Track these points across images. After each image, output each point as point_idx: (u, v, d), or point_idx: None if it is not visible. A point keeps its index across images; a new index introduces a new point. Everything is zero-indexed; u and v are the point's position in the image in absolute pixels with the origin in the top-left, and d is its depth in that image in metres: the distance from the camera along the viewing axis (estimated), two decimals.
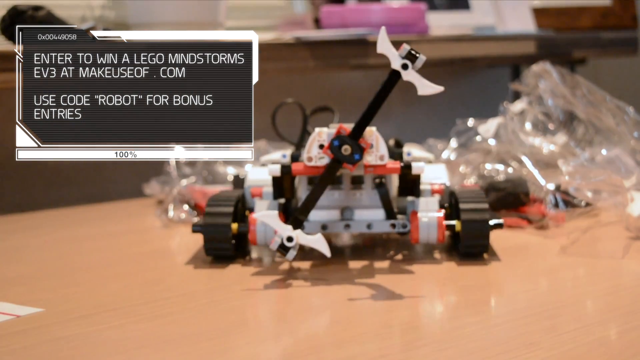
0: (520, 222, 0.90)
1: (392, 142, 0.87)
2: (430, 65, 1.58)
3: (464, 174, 1.03)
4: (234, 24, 1.33)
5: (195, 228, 0.76)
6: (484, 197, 0.75)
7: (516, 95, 1.21)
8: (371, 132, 0.71)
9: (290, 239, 0.68)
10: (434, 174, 0.82)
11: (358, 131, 0.69)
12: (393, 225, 0.75)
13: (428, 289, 0.69)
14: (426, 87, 0.68)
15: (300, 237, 0.68)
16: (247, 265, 0.75)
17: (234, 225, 0.75)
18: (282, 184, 0.77)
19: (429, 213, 0.74)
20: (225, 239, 0.75)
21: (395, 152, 0.82)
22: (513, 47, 1.42)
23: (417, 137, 1.20)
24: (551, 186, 0.91)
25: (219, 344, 0.56)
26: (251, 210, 0.79)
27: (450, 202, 0.79)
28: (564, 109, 1.05)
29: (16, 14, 1.04)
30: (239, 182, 0.86)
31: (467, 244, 0.74)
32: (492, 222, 0.74)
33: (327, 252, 0.68)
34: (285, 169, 0.73)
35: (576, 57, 1.52)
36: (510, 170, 0.98)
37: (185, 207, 0.98)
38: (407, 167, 0.73)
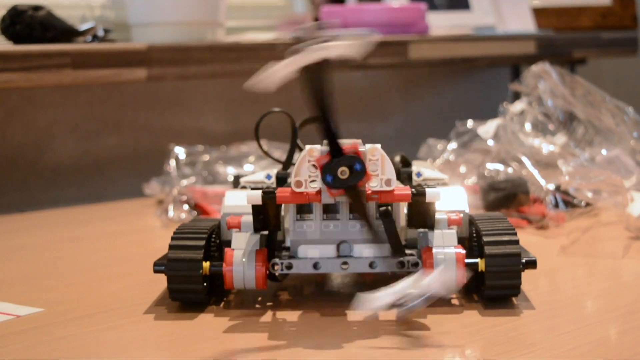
0: (520, 222, 0.90)
1: (397, 158, 0.75)
2: (430, 65, 1.58)
3: (464, 174, 1.03)
4: (234, 24, 1.33)
5: (157, 268, 0.62)
6: (512, 227, 0.63)
7: (516, 96, 1.21)
8: (374, 150, 0.58)
9: (416, 264, 0.59)
10: (450, 199, 0.67)
11: (334, 145, 0.57)
12: (401, 264, 0.61)
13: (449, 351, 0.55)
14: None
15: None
16: (221, 314, 0.62)
17: (206, 264, 0.62)
18: (266, 213, 0.62)
19: (445, 249, 0.61)
20: (194, 280, 0.61)
21: (403, 173, 0.72)
22: (513, 47, 1.42)
23: (417, 137, 1.20)
24: (551, 186, 0.91)
25: (219, 344, 0.56)
26: (228, 244, 0.65)
27: (471, 233, 0.67)
28: (563, 109, 1.05)
29: (16, 14, 1.04)
30: (239, 182, 0.77)
31: (493, 286, 0.61)
32: (524, 259, 0.61)
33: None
34: (268, 196, 0.60)
35: (576, 57, 1.52)
36: (510, 170, 0.98)
37: (185, 207, 0.98)
38: (419, 194, 0.60)
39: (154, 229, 0.95)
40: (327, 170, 0.57)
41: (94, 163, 1.22)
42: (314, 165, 0.58)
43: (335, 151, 0.57)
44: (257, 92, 0.54)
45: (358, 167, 0.56)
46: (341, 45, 0.55)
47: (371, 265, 0.61)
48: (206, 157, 1.11)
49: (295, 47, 0.54)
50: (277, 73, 0.54)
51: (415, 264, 0.61)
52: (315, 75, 0.55)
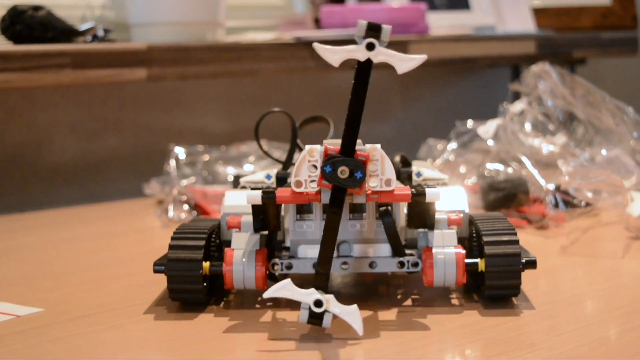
0: (520, 222, 0.90)
1: (397, 158, 0.76)
2: (430, 65, 1.59)
3: (464, 174, 1.03)
4: (234, 24, 1.33)
5: (157, 268, 0.63)
6: (511, 227, 0.63)
7: (516, 96, 1.22)
8: (375, 150, 0.58)
9: (318, 304, 0.55)
10: (450, 199, 0.67)
11: (349, 145, 0.56)
12: (401, 264, 0.61)
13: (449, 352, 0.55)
14: (405, 62, 0.54)
15: (332, 304, 0.55)
16: (221, 314, 0.62)
17: (206, 264, 0.62)
18: (265, 213, 0.61)
19: (445, 249, 0.61)
20: (194, 280, 0.61)
21: (403, 173, 0.73)
22: (513, 47, 1.42)
23: (417, 137, 1.20)
24: (551, 186, 0.91)
25: (219, 344, 0.56)
26: (228, 244, 0.65)
27: (471, 233, 0.67)
28: (563, 109, 1.05)
29: (16, 14, 1.04)
30: (239, 182, 0.78)
31: (493, 286, 0.61)
32: (524, 259, 0.61)
33: (359, 329, 0.55)
34: (268, 196, 0.60)
35: (576, 57, 1.52)
36: (510, 170, 0.98)
37: (185, 207, 0.98)
38: (419, 194, 0.60)
39: (154, 229, 0.95)
40: (330, 160, 0.56)
41: (93, 163, 1.22)
42: (314, 166, 0.57)
43: (348, 150, 0.56)
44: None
45: (359, 175, 0.56)
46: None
47: (371, 265, 0.62)
48: (206, 157, 1.11)
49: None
50: (339, 53, 0.54)
51: (415, 264, 0.61)
52: (366, 73, 0.55)
